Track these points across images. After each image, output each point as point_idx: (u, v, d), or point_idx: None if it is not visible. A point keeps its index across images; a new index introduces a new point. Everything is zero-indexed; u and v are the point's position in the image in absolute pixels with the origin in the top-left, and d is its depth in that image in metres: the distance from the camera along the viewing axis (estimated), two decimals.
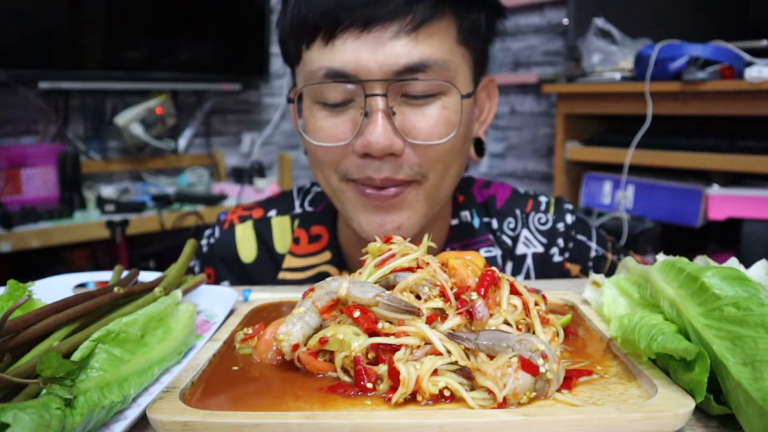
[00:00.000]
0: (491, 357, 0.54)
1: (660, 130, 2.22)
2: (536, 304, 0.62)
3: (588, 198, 2.53)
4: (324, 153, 0.88)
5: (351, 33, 0.82)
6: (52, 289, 0.77)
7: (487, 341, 0.54)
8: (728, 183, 2.16)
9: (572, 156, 2.50)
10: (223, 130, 3.48)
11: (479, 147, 0.99)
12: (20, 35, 2.55)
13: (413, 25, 0.82)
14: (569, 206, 1.09)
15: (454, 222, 1.05)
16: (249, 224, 1.10)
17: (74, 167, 2.66)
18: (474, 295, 0.58)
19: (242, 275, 1.09)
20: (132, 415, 0.52)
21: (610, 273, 1.04)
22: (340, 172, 0.88)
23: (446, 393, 0.52)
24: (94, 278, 0.90)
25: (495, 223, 1.07)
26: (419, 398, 0.52)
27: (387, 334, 0.56)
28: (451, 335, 0.55)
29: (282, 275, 1.06)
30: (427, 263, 0.63)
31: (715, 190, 2.13)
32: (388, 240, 0.68)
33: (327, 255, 1.05)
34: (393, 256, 0.64)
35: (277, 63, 3.28)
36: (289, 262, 1.06)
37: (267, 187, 3.16)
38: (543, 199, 1.09)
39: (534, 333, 0.59)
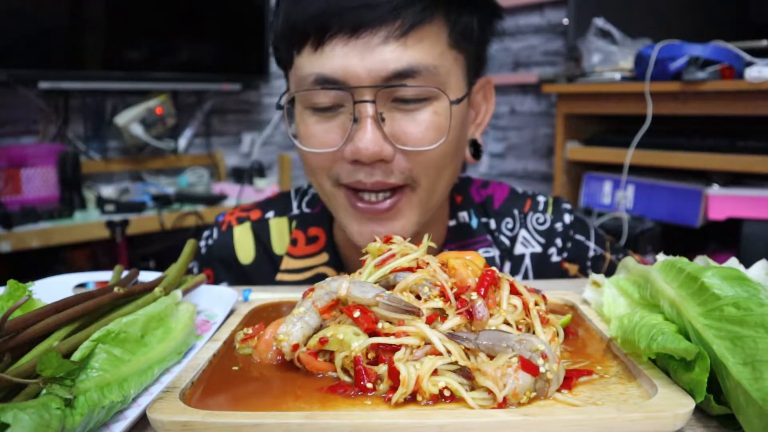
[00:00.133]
0: (491, 357, 0.54)
1: (660, 130, 2.22)
2: (536, 304, 0.62)
3: (588, 198, 2.53)
4: (315, 159, 0.88)
5: (340, 39, 0.81)
6: (52, 289, 0.77)
7: (487, 341, 0.54)
8: (728, 183, 2.16)
9: (572, 156, 2.50)
10: (223, 130, 3.48)
11: (476, 149, 0.98)
12: (20, 35, 2.55)
13: (402, 31, 0.81)
14: (567, 206, 1.08)
15: (452, 223, 1.05)
16: (247, 226, 1.10)
17: (74, 167, 2.66)
18: (474, 295, 0.58)
19: (240, 276, 1.09)
20: (132, 415, 0.52)
21: (608, 272, 1.04)
22: (332, 177, 0.88)
23: (446, 393, 0.52)
24: (94, 278, 0.90)
25: (493, 224, 1.06)
26: (419, 398, 0.52)
27: (387, 334, 0.56)
28: (451, 335, 0.55)
29: (280, 276, 1.06)
30: (427, 263, 0.63)
31: (715, 190, 2.13)
32: (388, 240, 0.68)
33: (324, 257, 1.05)
34: (393, 256, 0.64)
35: None
36: (287, 263, 1.06)
37: (267, 187, 3.16)
38: (541, 198, 1.09)
39: (534, 333, 0.59)
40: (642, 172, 2.34)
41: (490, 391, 0.51)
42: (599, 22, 2.40)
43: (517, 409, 0.50)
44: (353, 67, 0.81)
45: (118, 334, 0.56)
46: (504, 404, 0.50)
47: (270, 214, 1.10)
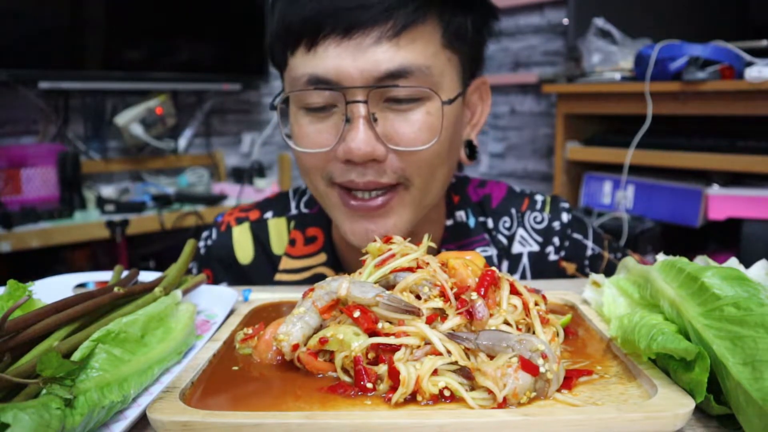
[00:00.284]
0: (491, 357, 0.54)
1: (660, 130, 2.22)
2: (536, 304, 0.62)
3: (588, 198, 2.53)
4: (308, 159, 0.88)
5: (333, 39, 0.82)
6: (52, 289, 0.77)
7: (487, 341, 0.54)
8: (728, 183, 2.16)
9: (572, 156, 2.50)
10: (223, 130, 3.48)
11: (471, 150, 0.98)
12: (20, 35, 2.55)
13: (394, 31, 0.81)
14: (565, 205, 1.08)
15: (449, 222, 1.05)
16: (246, 226, 1.10)
17: (74, 167, 2.66)
18: (474, 295, 0.58)
19: (239, 277, 1.09)
20: (132, 415, 0.52)
21: (606, 271, 1.05)
22: (325, 177, 0.88)
23: (446, 393, 0.52)
24: (94, 278, 0.90)
25: (491, 223, 1.07)
26: (419, 398, 0.52)
27: (387, 334, 0.56)
28: (451, 335, 0.55)
29: (278, 277, 1.06)
30: (427, 263, 0.63)
31: (715, 190, 2.13)
32: (388, 240, 0.68)
33: (322, 257, 1.05)
34: (393, 256, 0.64)
35: None
36: (286, 263, 1.06)
37: (267, 187, 3.16)
38: (539, 197, 1.09)
39: (534, 333, 0.59)
40: (642, 172, 2.34)
41: (490, 391, 0.51)
42: (599, 22, 2.40)
43: (517, 409, 0.50)
44: (346, 68, 0.81)
45: (118, 334, 0.56)
46: (504, 404, 0.50)
47: (269, 215, 1.11)
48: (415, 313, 0.57)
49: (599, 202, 2.48)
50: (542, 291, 0.68)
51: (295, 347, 0.58)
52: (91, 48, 2.79)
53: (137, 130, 2.90)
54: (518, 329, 0.58)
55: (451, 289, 0.60)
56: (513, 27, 3.10)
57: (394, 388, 0.52)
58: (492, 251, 1.05)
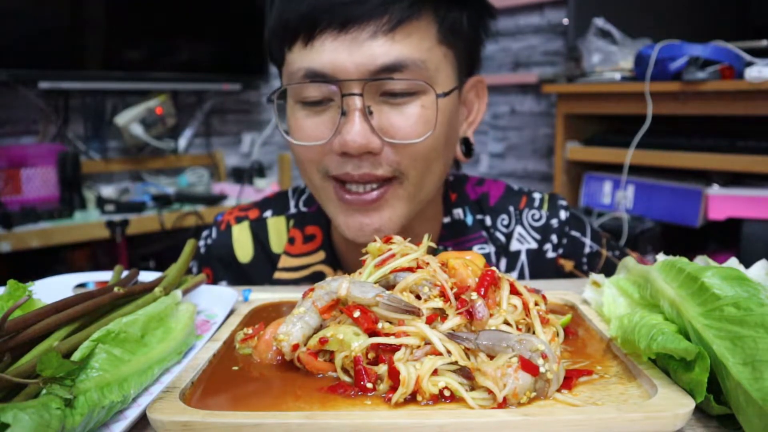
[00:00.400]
0: (491, 357, 0.54)
1: (660, 130, 2.22)
2: (536, 304, 0.62)
3: (588, 198, 2.53)
4: (304, 152, 0.90)
5: (329, 34, 0.83)
6: (52, 289, 0.77)
7: (487, 341, 0.54)
8: (728, 183, 2.16)
9: (572, 156, 2.50)
10: (223, 130, 3.48)
11: (467, 147, 0.99)
12: (20, 35, 2.55)
13: (390, 25, 0.83)
14: (563, 202, 1.09)
15: (447, 220, 1.06)
16: (245, 225, 1.11)
17: (74, 167, 2.66)
18: (474, 295, 0.58)
19: (239, 275, 1.10)
20: (132, 415, 0.52)
21: (604, 269, 1.05)
22: (321, 170, 0.89)
23: (446, 393, 0.52)
24: (94, 278, 0.90)
25: (488, 220, 1.07)
26: (419, 398, 0.52)
27: (387, 334, 0.56)
28: (451, 335, 0.55)
29: (277, 275, 1.07)
30: (427, 263, 0.63)
31: (715, 190, 2.13)
32: (388, 240, 0.68)
33: (321, 255, 1.06)
34: (393, 256, 0.64)
35: None
36: (285, 261, 1.07)
37: (267, 187, 3.16)
38: (537, 195, 1.09)
39: (534, 333, 0.59)
40: (642, 172, 2.34)
41: (490, 391, 0.51)
42: (599, 22, 2.40)
43: (517, 409, 0.50)
44: (342, 62, 0.83)
45: (118, 334, 0.56)
46: (504, 404, 0.50)
47: (268, 213, 1.11)
48: (415, 313, 0.57)
49: (599, 202, 2.48)
50: (542, 291, 0.68)
51: (295, 347, 0.58)
52: (91, 48, 2.79)
53: (137, 130, 2.90)
54: (518, 329, 0.58)
55: (451, 289, 0.60)
56: (513, 27, 3.10)
57: (394, 388, 0.52)
58: (490, 249, 1.05)
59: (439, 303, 0.58)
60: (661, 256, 0.68)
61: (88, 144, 2.97)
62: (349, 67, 0.82)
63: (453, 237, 1.05)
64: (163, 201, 2.81)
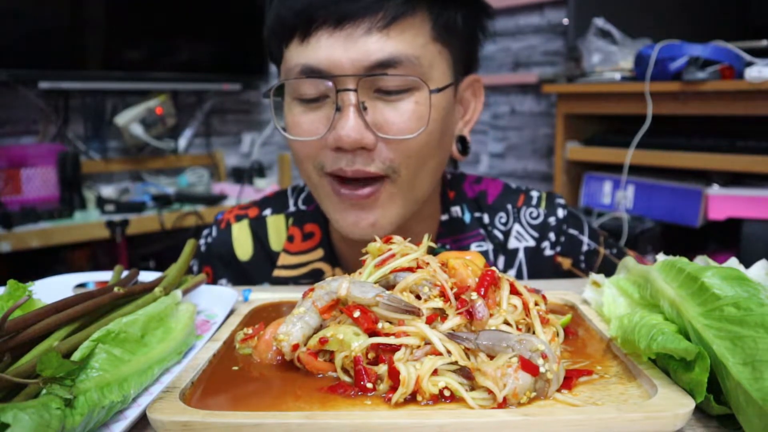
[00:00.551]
0: (491, 357, 0.54)
1: (660, 130, 2.22)
2: (536, 304, 0.62)
3: (588, 198, 2.53)
4: (301, 147, 0.91)
5: (325, 30, 0.84)
6: (52, 289, 0.77)
7: (487, 341, 0.54)
8: (728, 183, 2.16)
9: (572, 156, 2.50)
10: (223, 130, 3.48)
11: (463, 146, 1.00)
12: (20, 35, 2.55)
13: (385, 22, 0.84)
14: (561, 200, 1.09)
15: (444, 218, 1.07)
16: (245, 223, 1.12)
17: (74, 167, 2.66)
18: (474, 295, 0.58)
19: (239, 273, 1.10)
20: (132, 415, 0.52)
21: (602, 267, 1.05)
22: (317, 166, 0.90)
23: (446, 393, 0.52)
24: (94, 278, 0.90)
25: (486, 218, 1.08)
26: (419, 398, 0.52)
27: (387, 334, 0.56)
28: (451, 335, 0.55)
29: (277, 273, 1.08)
30: (427, 263, 0.63)
31: (715, 190, 2.13)
32: (388, 240, 0.68)
33: (320, 252, 1.07)
34: (393, 256, 0.64)
35: None
36: (284, 259, 1.08)
37: (267, 187, 3.16)
38: (534, 193, 1.10)
39: (534, 333, 0.59)
40: (642, 172, 2.34)
41: (490, 391, 0.51)
42: (599, 22, 2.40)
43: (517, 409, 0.50)
44: (337, 57, 0.84)
45: (118, 334, 0.56)
46: (504, 404, 0.50)
47: (267, 212, 1.12)
48: (415, 313, 0.57)
49: (599, 202, 2.48)
50: (542, 291, 0.68)
51: (295, 347, 0.58)
52: (91, 48, 2.79)
53: (137, 130, 2.90)
54: (518, 329, 0.58)
55: (451, 289, 0.60)
56: (513, 27, 3.10)
57: (394, 388, 0.52)
58: (488, 246, 1.06)
59: (439, 303, 0.58)
60: (661, 256, 0.68)
61: (88, 144, 2.97)
62: (344, 63, 0.84)
63: (451, 235, 1.06)
64: (163, 201, 2.81)
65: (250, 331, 0.66)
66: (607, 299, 0.71)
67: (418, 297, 0.60)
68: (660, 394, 0.51)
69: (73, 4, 2.68)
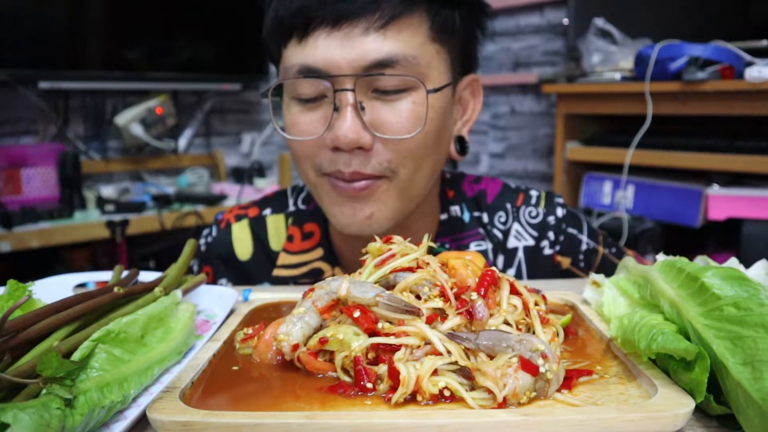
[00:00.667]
0: (491, 357, 0.54)
1: (660, 130, 2.22)
2: (536, 304, 0.62)
3: (588, 198, 2.53)
4: (299, 147, 0.91)
5: (322, 30, 0.85)
6: (52, 289, 0.77)
7: (487, 341, 0.54)
8: (728, 183, 2.16)
9: (572, 156, 2.50)
10: (223, 130, 3.48)
11: (462, 146, 1.00)
12: (20, 35, 2.55)
13: (382, 22, 0.84)
14: (560, 200, 1.10)
15: (443, 217, 1.07)
16: (245, 223, 1.12)
17: (74, 167, 2.66)
18: (474, 295, 0.58)
19: (239, 273, 1.11)
20: (132, 415, 0.52)
21: (601, 266, 1.06)
22: (315, 166, 0.91)
23: (446, 393, 0.52)
24: (94, 278, 0.90)
25: (485, 217, 1.08)
26: (419, 398, 0.52)
27: (387, 334, 0.56)
28: (451, 335, 0.55)
29: (276, 272, 1.08)
30: (427, 263, 0.63)
31: (715, 190, 2.13)
32: (387, 240, 0.68)
33: (319, 252, 1.07)
34: (393, 256, 0.64)
35: None
36: (284, 259, 1.08)
37: (267, 187, 3.16)
38: (534, 193, 1.10)
39: (534, 333, 0.59)
40: (642, 172, 2.34)
41: (490, 391, 0.51)
42: (599, 22, 2.40)
43: (517, 409, 0.50)
44: (334, 57, 0.84)
45: (118, 334, 0.56)
46: (504, 404, 0.50)
47: (267, 212, 1.12)
48: (415, 313, 0.57)
49: (599, 202, 2.48)
50: (542, 291, 0.68)
51: (295, 347, 0.58)
52: (91, 48, 2.79)
53: (137, 130, 2.90)
54: (518, 329, 0.58)
55: (451, 289, 0.60)
56: (513, 27, 3.10)
57: (394, 388, 0.52)
58: (487, 245, 1.06)
59: (439, 303, 0.58)
60: (661, 256, 0.68)
61: (88, 144, 2.97)
62: (342, 63, 0.84)
63: (450, 234, 1.06)
64: (163, 201, 2.81)
65: (250, 331, 0.66)
66: (607, 299, 0.71)
67: (418, 297, 0.60)
68: (660, 394, 0.51)
69: (73, 5, 2.68)
